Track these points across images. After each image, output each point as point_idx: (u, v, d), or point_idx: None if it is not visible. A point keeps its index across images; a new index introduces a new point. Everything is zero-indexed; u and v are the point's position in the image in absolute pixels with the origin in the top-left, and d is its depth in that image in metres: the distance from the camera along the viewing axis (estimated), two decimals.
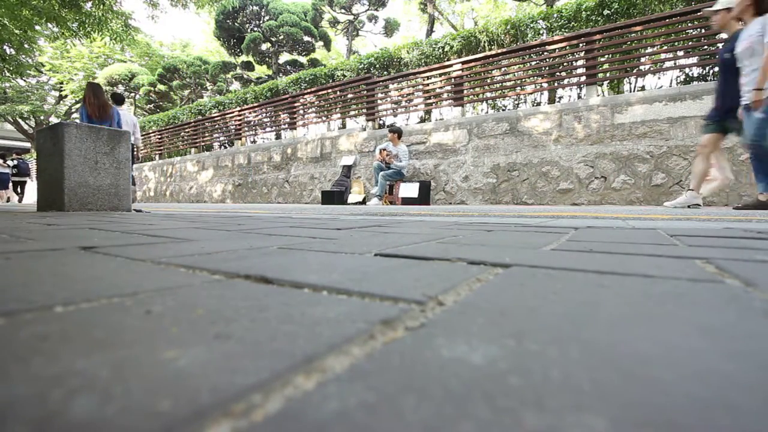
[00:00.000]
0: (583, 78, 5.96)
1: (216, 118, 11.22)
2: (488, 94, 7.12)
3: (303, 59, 19.76)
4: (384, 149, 6.65)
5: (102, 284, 0.55)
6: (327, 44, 19.76)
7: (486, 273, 0.64)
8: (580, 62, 6.10)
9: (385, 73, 8.49)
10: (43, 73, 22.07)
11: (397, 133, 6.62)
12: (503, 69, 6.65)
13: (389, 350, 0.31)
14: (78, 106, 24.11)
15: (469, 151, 6.44)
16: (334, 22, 20.25)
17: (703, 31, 5.22)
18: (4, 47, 6.53)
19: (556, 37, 6.02)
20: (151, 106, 21.44)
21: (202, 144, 11.69)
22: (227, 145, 11.53)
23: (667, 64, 5.87)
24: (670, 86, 6.02)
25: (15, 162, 15.01)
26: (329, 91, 8.75)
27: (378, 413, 0.21)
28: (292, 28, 17.57)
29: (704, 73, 5.83)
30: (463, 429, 0.20)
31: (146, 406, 0.22)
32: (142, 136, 13.83)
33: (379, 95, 8.05)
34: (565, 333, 0.35)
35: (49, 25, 6.25)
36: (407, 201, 6.45)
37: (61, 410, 0.21)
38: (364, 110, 8.23)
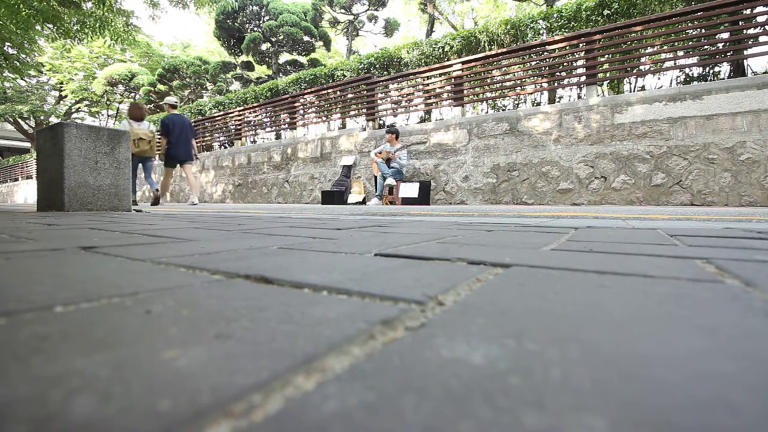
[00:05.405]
0: (583, 78, 5.95)
1: (216, 118, 11.21)
2: (488, 94, 7.11)
3: (303, 59, 19.74)
4: (380, 152, 6.73)
5: (102, 284, 0.55)
6: (327, 44, 19.73)
7: (486, 273, 0.64)
8: (580, 62, 6.10)
9: (385, 73, 8.48)
10: (43, 73, 22.05)
11: (395, 134, 6.70)
12: (503, 69, 6.65)
13: (389, 350, 0.31)
14: (78, 105, 24.12)
15: (469, 151, 6.44)
16: (334, 22, 20.24)
17: (703, 31, 5.22)
18: (5, 46, 6.50)
19: (556, 37, 6.02)
20: (151, 106, 21.44)
21: (202, 144, 11.69)
22: (227, 145, 11.52)
23: (667, 64, 5.87)
24: (670, 86, 6.02)
25: None
26: (329, 91, 8.74)
27: (378, 413, 0.21)
28: (292, 28, 17.55)
29: (704, 73, 5.83)
30: (463, 429, 0.20)
31: (146, 406, 0.22)
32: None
33: (379, 95, 8.04)
34: (565, 333, 0.35)
35: (49, 25, 6.21)
36: (407, 201, 6.44)
37: (60, 410, 0.21)
38: (364, 110, 8.22)
